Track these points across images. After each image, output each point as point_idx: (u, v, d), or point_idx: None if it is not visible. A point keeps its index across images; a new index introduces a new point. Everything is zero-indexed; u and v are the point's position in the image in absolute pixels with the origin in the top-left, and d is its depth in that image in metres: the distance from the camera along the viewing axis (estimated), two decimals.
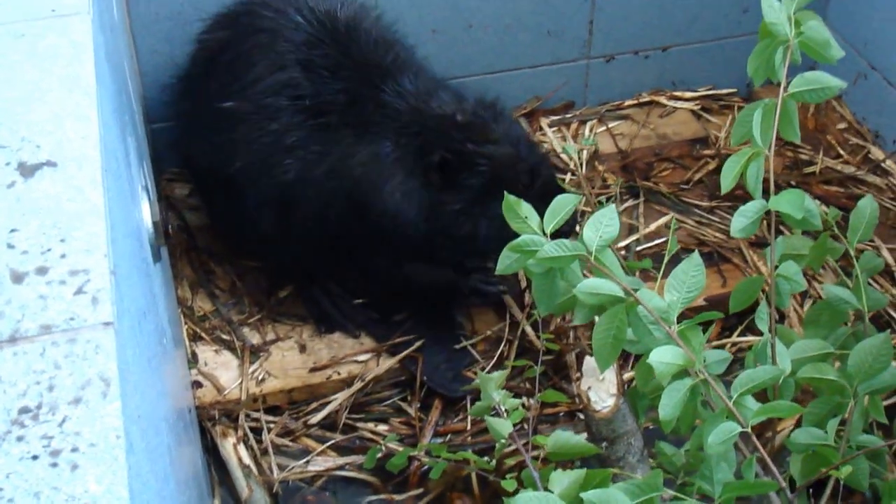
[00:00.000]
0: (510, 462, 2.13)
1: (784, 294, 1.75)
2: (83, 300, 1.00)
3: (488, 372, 2.34)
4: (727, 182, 1.64)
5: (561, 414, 2.35)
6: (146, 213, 1.66)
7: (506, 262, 1.63)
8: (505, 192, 1.63)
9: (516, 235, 1.64)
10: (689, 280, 1.59)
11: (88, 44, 1.37)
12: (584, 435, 1.87)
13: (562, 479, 1.56)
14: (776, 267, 1.73)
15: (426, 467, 2.17)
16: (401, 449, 2.18)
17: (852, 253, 1.85)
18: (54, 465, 0.87)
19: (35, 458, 0.87)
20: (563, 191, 2.20)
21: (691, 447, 1.69)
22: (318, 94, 2.22)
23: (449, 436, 2.31)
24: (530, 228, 1.62)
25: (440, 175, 2.14)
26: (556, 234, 1.62)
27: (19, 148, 1.18)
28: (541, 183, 2.20)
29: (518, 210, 1.63)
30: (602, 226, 1.60)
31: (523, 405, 2.25)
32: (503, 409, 1.90)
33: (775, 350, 1.72)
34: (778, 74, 1.67)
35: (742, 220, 1.65)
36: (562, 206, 1.65)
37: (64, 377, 0.93)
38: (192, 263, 2.59)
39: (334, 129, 2.21)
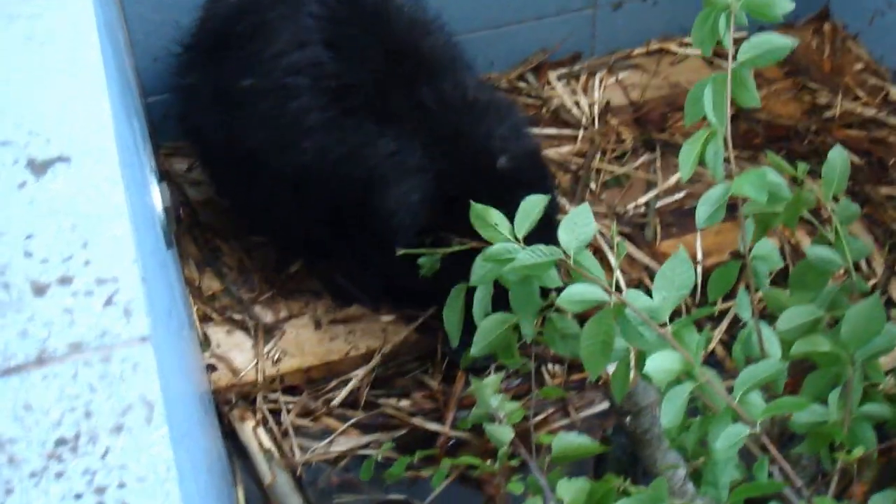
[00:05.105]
0: (515, 463, 2.03)
1: (762, 275, 1.67)
2: (114, 312, 0.90)
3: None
4: (686, 170, 1.51)
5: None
6: (157, 199, 1.56)
7: (479, 272, 1.58)
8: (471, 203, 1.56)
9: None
10: (678, 278, 1.51)
11: (91, 21, 1.26)
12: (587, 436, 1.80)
13: (569, 488, 1.51)
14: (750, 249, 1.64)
15: (453, 441, 2.11)
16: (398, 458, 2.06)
17: (829, 208, 1.73)
18: None
19: (79, 496, 0.78)
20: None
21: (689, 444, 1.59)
22: (342, 77, 2.07)
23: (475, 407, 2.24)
24: (502, 236, 1.55)
25: (445, 213, 1.93)
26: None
27: (27, 143, 1.08)
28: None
29: (487, 217, 1.56)
30: (577, 226, 1.53)
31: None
32: (501, 416, 1.83)
33: (762, 337, 1.64)
34: (724, 42, 1.54)
35: (706, 209, 1.54)
36: (532, 208, 1.57)
37: (101, 402, 0.84)
38: (196, 241, 2.48)
39: (357, 115, 2.06)
